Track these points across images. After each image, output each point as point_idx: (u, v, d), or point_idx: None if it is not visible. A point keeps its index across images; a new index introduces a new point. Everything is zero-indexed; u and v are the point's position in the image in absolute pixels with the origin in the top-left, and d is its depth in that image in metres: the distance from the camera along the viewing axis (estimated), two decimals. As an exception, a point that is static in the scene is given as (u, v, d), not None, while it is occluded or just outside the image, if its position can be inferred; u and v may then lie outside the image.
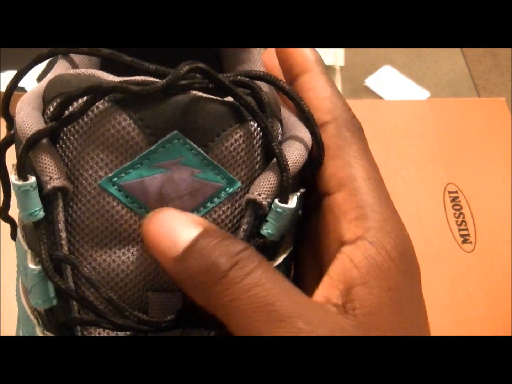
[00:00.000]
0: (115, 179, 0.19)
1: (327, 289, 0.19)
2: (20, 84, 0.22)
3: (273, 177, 0.20)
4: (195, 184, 0.19)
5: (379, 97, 0.68)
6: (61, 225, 0.19)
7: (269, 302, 0.17)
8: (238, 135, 0.19)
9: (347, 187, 0.20)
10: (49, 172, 0.19)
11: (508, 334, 0.44)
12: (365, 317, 0.18)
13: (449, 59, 0.75)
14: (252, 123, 0.20)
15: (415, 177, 0.52)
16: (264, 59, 0.24)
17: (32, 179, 0.19)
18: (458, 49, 0.76)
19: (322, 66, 0.22)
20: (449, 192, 0.51)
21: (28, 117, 0.19)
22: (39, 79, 0.56)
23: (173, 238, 0.18)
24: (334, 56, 0.72)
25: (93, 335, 0.20)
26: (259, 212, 0.20)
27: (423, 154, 0.53)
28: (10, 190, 0.22)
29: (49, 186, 0.19)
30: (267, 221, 0.20)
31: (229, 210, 0.20)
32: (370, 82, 0.70)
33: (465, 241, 0.49)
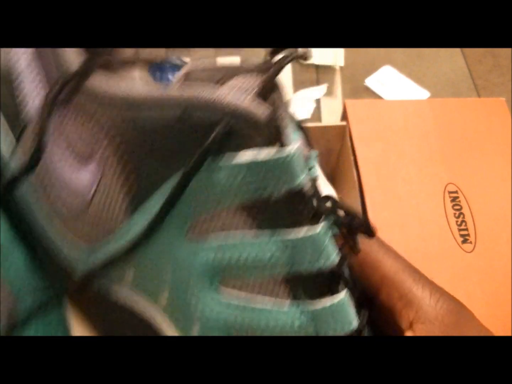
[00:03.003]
0: None
1: None
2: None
3: None
4: None
5: (379, 97, 0.68)
6: None
7: None
8: None
9: (386, 284, 0.23)
10: None
11: (508, 334, 0.44)
12: None
13: (449, 59, 0.75)
14: None
15: (415, 177, 0.51)
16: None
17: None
18: (458, 49, 0.76)
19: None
20: (449, 192, 0.51)
21: None
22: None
23: None
24: (334, 56, 0.72)
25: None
26: None
27: (423, 154, 0.53)
28: None
29: None
30: None
31: None
32: (370, 82, 0.70)
33: (465, 241, 0.49)
